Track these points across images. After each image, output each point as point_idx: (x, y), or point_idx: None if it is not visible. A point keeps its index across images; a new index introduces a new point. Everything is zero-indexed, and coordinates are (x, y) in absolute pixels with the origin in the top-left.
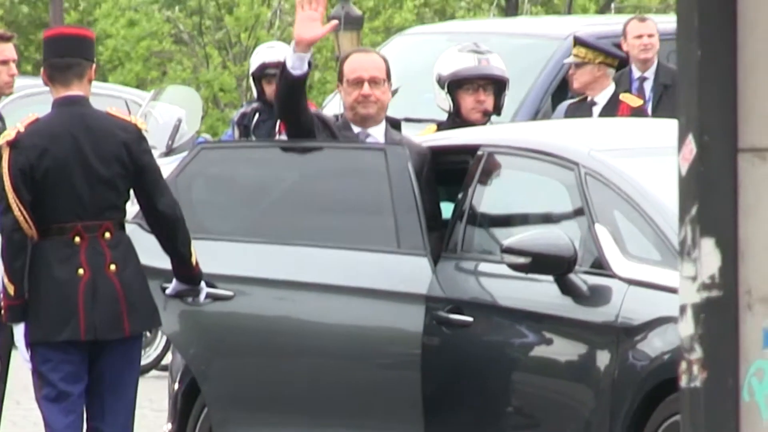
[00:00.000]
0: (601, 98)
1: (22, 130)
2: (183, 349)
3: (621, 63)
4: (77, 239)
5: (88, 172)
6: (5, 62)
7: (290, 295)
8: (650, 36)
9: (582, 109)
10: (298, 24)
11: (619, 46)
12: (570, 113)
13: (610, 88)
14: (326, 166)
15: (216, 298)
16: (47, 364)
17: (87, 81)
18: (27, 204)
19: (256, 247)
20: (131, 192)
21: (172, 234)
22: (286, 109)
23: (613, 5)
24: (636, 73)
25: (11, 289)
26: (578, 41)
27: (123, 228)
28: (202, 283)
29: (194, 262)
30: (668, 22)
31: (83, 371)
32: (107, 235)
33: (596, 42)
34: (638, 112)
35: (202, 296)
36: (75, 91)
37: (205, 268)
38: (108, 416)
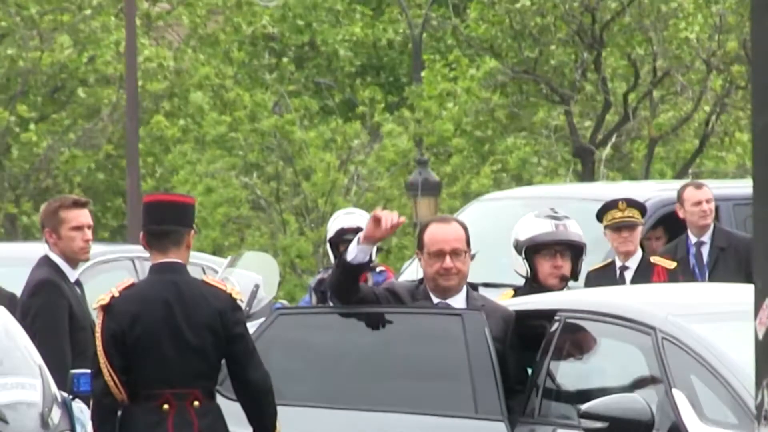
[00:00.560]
0: (632, 263)
1: (116, 294)
2: None
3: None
4: (166, 406)
5: (179, 340)
6: (80, 228)
7: None
8: (708, 202)
9: (608, 274)
10: (371, 222)
11: (675, 212)
12: (594, 280)
13: (639, 252)
14: (403, 331)
15: None
16: None
17: (185, 247)
18: (118, 369)
19: (334, 412)
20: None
21: (260, 406)
22: (338, 293)
23: (690, 170)
24: (693, 239)
25: None
26: (633, 204)
27: (213, 396)
28: None
29: None
30: (746, 186)
31: None
32: (196, 403)
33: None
34: (674, 274)
35: None
36: (172, 257)
37: None
38: None
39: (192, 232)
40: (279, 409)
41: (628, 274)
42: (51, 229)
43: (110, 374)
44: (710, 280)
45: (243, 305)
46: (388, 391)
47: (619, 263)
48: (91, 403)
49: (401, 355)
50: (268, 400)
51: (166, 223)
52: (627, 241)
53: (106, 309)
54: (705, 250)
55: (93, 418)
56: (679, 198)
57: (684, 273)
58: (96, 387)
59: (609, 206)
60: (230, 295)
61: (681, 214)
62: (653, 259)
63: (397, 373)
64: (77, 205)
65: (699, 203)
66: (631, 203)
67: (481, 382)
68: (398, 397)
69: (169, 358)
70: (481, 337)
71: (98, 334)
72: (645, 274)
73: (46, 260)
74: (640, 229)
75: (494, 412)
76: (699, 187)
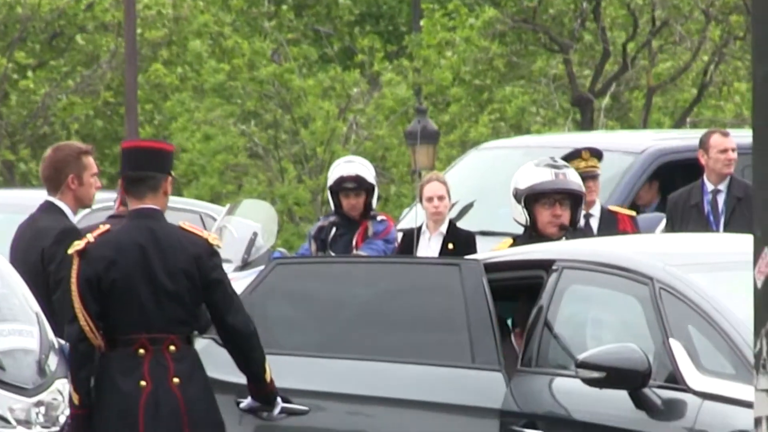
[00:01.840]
0: (595, 211)
1: (92, 240)
2: None
3: (695, 172)
4: (141, 351)
5: (154, 285)
6: (95, 174)
7: (365, 410)
8: (734, 150)
9: None
10: None
11: (696, 159)
12: None
13: (597, 201)
14: (401, 281)
15: (291, 413)
16: None
17: (162, 194)
18: (93, 314)
19: (331, 362)
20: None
21: (244, 350)
22: None
23: (688, 119)
24: (709, 186)
25: (76, 399)
26: (595, 153)
27: (190, 342)
28: (277, 398)
29: (268, 380)
30: (744, 136)
31: None
32: (172, 348)
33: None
34: (635, 221)
35: (276, 411)
36: (149, 203)
37: (281, 382)
38: None
39: (170, 178)
40: (276, 358)
41: (594, 222)
42: (75, 174)
43: (85, 320)
44: (727, 229)
45: (220, 250)
46: (386, 340)
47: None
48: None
49: (399, 304)
50: (252, 344)
51: (143, 168)
52: (591, 191)
53: (81, 254)
54: (721, 199)
55: (69, 364)
56: (704, 144)
57: (698, 219)
58: (71, 332)
59: (572, 156)
60: (207, 240)
61: (703, 161)
62: (612, 207)
63: (394, 322)
64: (88, 153)
65: (725, 150)
66: (594, 152)
67: (479, 331)
68: (396, 347)
69: (145, 302)
70: (479, 287)
71: (73, 280)
72: (609, 222)
73: (51, 206)
74: (599, 180)
75: (491, 361)
76: (725, 134)
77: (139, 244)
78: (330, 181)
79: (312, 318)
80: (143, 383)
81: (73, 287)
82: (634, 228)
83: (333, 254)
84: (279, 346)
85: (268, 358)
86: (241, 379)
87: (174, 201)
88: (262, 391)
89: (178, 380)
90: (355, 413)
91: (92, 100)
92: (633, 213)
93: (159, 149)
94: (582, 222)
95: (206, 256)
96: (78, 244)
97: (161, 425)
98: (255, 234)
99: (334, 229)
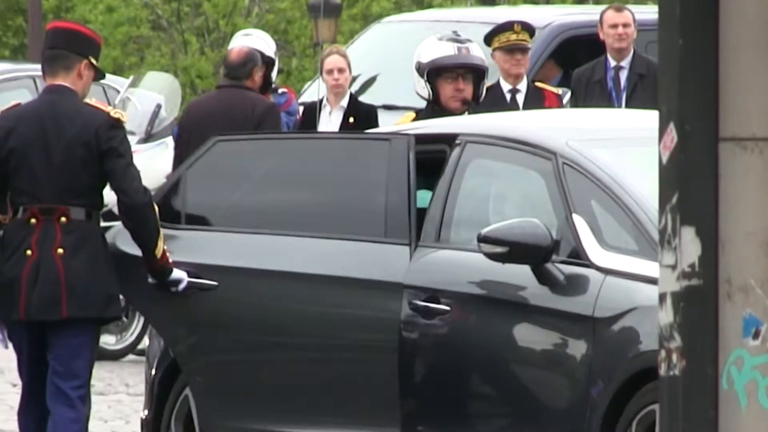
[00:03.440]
0: (522, 86)
1: None
2: (170, 343)
3: (598, 50)
4: (33, 221)
5: (49, 154)
6: None
7: (270, 285)
8: (626, 26)
9: (493, 96)
10: None
11: (596, 34)
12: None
13: (524, 76)
14: (331, 156)
15: (199, 288)
16: (14, 342)
17: (77, 75)
18: None
19: (244, 237)
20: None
21: (135, 219)
22: None
23: None
24: (611, 63)
25: None
26: (526, 27)
27: (89, 216)
28: (179, 274)
29: (158, 255)
30: (648, 12)
31: (37, 352)
32: (63, 219)
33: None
34: (561, 99)
35: (181, 286)
36: (61, 81)
37: (199, 258)
38: (60, 401)
39: (85, 62)
40: (206, 234)
41: (520, 98)
42: None
43: None
44: (628, 105)
45: (126, 125)
46: (309, 215)
47: (508, 86)
48: None
49: (326, 180)
50: (144, 214)
51: (58, 47)
52: (520, 64)
53: None
54: (623, 75)
55: None
56: (600, 20)
57: (601, 95)
58: None
59: (503, 28)
60: (108, 113)
61: (601, 36)
62: (539, 84)
63: (320, 198)
64: None
65: (615, 26)
66: (525, 26)
67: (395, 206)
68: (318, 222)
69: (37, 172)
70: (405, 163)
71: None
72: (536, 98)
73: None
74: (529, 54)
75: (402, 236)
76: (619, 10)
77: (39, 114)
78: None
79: (246, 194)
80: (29, 252)
81: None
82: (560, 106)
83: None
84: (212, 223)
85: (192, 234)
86: None
87: None
88: (153, 265)
89: (62, 251)
90: (258, 288)
91: None
92: (559, 91)
93: (76, 30)
94: (508, 97)
95: (105, 127)
96: None
97: (38, 292)
98: (159, 106)
99: None
